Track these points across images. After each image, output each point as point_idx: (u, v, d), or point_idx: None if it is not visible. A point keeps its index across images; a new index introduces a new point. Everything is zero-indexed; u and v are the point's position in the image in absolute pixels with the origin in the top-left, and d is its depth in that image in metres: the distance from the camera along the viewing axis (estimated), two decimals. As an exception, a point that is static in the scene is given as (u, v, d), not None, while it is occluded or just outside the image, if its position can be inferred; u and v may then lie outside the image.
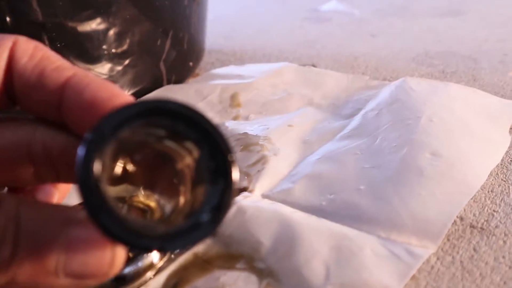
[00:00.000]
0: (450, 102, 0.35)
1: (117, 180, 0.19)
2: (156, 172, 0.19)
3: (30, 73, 0.19)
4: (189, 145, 0.16)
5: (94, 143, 0.15)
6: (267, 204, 0.29)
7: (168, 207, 0.19)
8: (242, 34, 0.66)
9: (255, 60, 0.55)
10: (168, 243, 0.15)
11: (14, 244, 0.16)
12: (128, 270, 0.23)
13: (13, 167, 0.20)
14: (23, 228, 0.16)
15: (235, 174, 0.16)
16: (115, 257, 0.17)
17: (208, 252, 0.26)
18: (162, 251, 0.16)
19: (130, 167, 0.19)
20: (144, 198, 0.19)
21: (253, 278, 0.24)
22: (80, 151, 0.15)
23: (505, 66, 0.47)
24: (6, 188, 0.22)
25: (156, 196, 0.19)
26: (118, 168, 0.19)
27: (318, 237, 0.26)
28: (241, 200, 0.29)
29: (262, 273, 0.24)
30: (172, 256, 0.25)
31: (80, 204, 0.27)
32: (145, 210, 0.20)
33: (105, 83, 0.19)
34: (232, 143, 0.34)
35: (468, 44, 0.53)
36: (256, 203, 0.29)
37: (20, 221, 0.16)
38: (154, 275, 0.24)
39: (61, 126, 0.20)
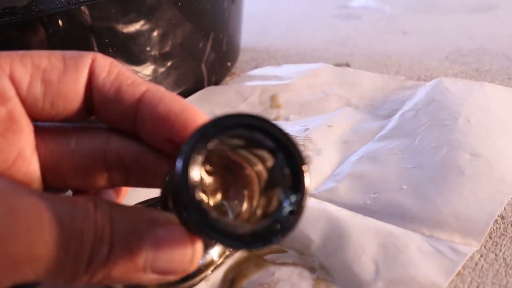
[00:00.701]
0: (487, 102, 0.36)
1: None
2: (224, 177, 0.21)
3: (109, 88, 0.21)
4: (264, 153, 0.18)
5: (190, 154, 0.17)
6: (314, 202, 0.30)
7: (233, 208, 0.21)
8: (274, 31, 0.68)
9: (288, 59, 0.56)
10: (258, 241, 0.17)
11: (110, 243, 0.18)
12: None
13: (89, 172, 0.22)
14: (116, 229, 0.18)
15: (308, 179, 0.18)
16: (195, 255, 0.19)
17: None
18: (253, 249, 0.18)
19: (205, 173, 0.21)
20: (213, 200, 0.21)
21: (306, 274, 0.26)
22: (179, 162, 0.17)
23: (539, 63, 0.48)
24: (70, 191, 0.24)
25: (221, 198, 0.21)
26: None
27: (365, 234, 0.27)
28: (288, 198, 0.30)
29: (314, 269, 0.26)
30: (229, 252, 0.27)
31: (140, 203, 0.29)
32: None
33: (175, 97, 0.21)
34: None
35: (501, 41, 0.54)
36: (303, 201, 0.30)
37: (114, 223, 0.18)
38: (213, 270, 0.26)
39: (132, 136, 0.22)
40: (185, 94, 0.44)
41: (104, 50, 0.40)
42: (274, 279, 0.25)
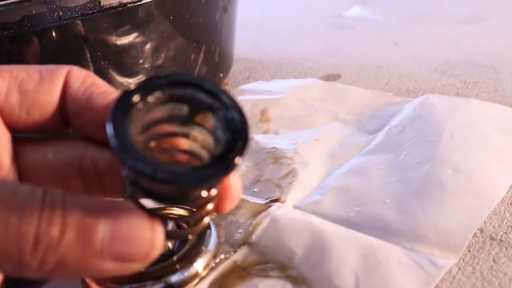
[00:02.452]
0: (471, 118, 0.37)
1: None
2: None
3: (81, 96, 0.22)
4: (204, 117, 0.20)
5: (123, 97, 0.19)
6: (298, 214, 0.31)
7: None
8: (268, 41, 0.68)
9: (281, 69, 0.57)
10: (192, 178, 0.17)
11: (62, 224, 0.18)
12: (175, 279, 0.25)
13: (66, 181, 0.23)
14: (70, 210, 0.18)
15: (248, 128, 0.19)
16: (155, 237, 0.19)
17: (246, 260, 0.28)
18: (157, 180, 0.17)
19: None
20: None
21: (288, 286, 0.26)
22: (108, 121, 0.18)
23: (526, 76, 0.48)
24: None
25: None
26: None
27: (347, 247, 0.28)
28: (275, 211, 0.31)
29: (296, 281, 0.27)
30: (214, 264, 0.27)
31: None
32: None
33: None
34: (263, 156, 0.37)
35: (490, 53, 0.55)
36: (289, 213, 0.31)
37: (67, 206, 0.18)
38: (197, 283, 0.27)
39: (107, 145, 0.22)
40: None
41: (97, 62, 0.40)
42: (257, 291, 0.26)
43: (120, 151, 0.17)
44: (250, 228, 0.30)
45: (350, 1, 0.80)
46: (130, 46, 0.41)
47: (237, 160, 0.18)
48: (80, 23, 0.38)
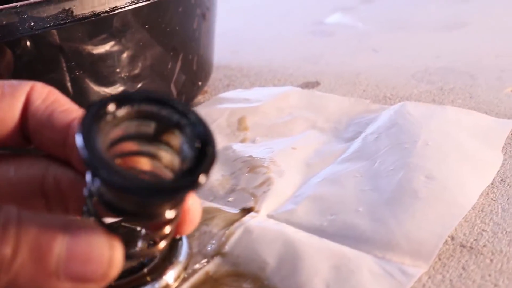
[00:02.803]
0: (446, 125, 0.37)
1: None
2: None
3: (42, 113, 0.21)
4: (172, 134, 0.19)
5: (94, 107, 0.18)
6: (272, 224, 0.31)
7: None
8: (248, 48, 0.69)
9: (261, 76, 0.57)
10: (134, 188, 0.17)
11: (15, 244, 0.17)
12: (145, 292, 0.25)
13: (28, 199, 0.22)
14: (25, 230, 0.17)
15: (214, 146, 0.18)
16: (113, 257, 0.18)
17: (218, 271, 0.28)
18: (126, 192, 0.17)
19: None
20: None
21: (259, 297, 0.26)
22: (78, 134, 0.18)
23: (501, 83, 0.49)
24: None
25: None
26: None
27: (319, 256, 0.28)
28: (248, 220, 0.31)
29: (268, 292, 0.27)
30: (185, 275, 0.27)
31: None
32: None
33: None
34: (239, 165, 0.37)
35: (467, 60, 0.55)
36: (262, 223, 0.31)
37: (22, 224, 0.17)
38: (169, 294, 0.26)
39: (69, 163, 0.22)
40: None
41: (73, 72, 0.40)
42: (229, 302, 0.26)
43: (83, 151, 0.17)
44: (223, 239, 0.30)
45: (331, 8, 0.80)
46: (106, 55, 0.41)
47: (201, 178, 0.18)
48: (55, 33, 0.38)
